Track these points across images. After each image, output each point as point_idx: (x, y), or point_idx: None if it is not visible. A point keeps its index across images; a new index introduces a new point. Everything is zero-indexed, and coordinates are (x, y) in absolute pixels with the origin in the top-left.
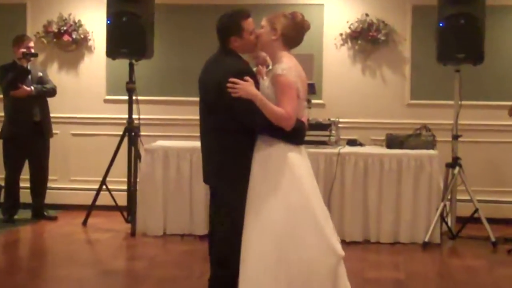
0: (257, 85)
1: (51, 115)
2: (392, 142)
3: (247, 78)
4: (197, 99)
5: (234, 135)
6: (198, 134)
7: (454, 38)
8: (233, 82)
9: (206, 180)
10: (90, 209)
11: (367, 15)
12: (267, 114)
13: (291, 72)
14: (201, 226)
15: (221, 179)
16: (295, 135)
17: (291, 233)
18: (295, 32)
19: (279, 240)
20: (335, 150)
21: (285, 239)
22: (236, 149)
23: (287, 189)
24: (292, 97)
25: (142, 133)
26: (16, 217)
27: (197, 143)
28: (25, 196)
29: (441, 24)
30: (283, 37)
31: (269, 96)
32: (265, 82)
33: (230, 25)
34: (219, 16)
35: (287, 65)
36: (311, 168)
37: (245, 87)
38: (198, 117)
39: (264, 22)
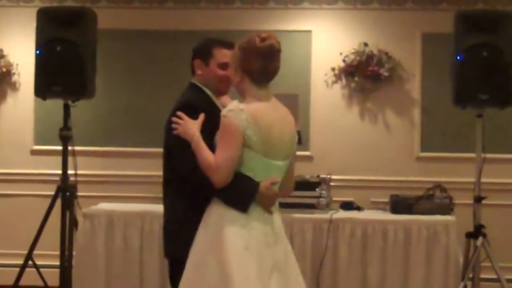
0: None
1: None
2: (398, 205)
3: (202, 114)
4: (150, 150)
5: (176, 186)
6: (151, 195)
7: (475, 74)
8: (178, 116)
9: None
10: None
11: (366, 44)
12: (199, 162)
13: (240, 114)
14: None
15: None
16: (235, 196)
17: None
18: (259, 61)
19: None
20: (326, 216)
21: None
22: (180, 206)
23: (211, 269)
24: (227, 143)
25: (79, 193)
26: None
27: (150, 206)
28: None
29: (459, 57)
30: (248, 74)
31: None
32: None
33: (199, 47)
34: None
35: (237, 106)
36: (269, 247)
37: (185, 124)
38: (150, 173)
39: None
